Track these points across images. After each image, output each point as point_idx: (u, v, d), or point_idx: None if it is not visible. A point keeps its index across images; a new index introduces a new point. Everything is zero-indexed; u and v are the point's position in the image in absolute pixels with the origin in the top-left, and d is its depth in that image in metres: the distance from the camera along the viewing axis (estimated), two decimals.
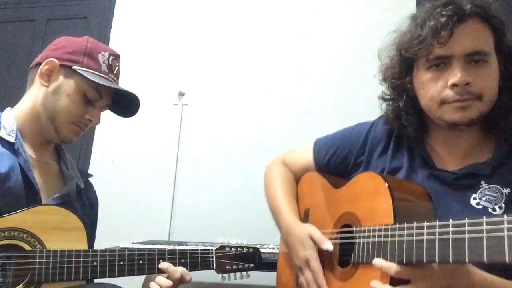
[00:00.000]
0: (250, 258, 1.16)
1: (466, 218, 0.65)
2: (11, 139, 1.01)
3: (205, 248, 1.12)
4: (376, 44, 1.07)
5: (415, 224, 0.74)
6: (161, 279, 1.04)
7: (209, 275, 1.27)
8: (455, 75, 0.86)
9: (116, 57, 1.14)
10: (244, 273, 1.15)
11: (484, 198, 0.88)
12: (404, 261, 0.75)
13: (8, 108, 1.10)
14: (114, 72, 1.13)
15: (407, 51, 0.94)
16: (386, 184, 0.85)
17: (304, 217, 1.15)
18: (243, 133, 2.39)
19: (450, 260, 0.66)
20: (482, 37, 0.89)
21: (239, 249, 1.15)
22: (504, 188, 0.87)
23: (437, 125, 0.97)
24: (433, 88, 0.90)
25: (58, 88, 1.06)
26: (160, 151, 2.44)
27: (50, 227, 0.96)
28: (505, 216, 0.59)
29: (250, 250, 1.16)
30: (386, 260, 0.79)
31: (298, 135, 2.28)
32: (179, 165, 2.40)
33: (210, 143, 2.41)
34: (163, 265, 1.05)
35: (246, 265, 1.15)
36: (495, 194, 0.87)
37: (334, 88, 2.34)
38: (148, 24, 2.66)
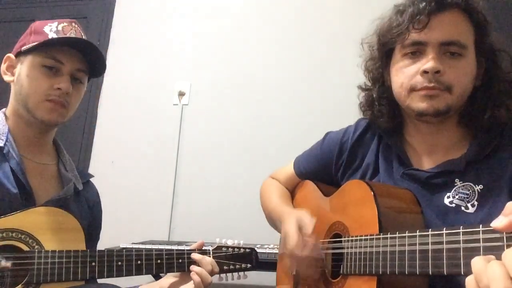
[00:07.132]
0: (247, 258, 1.16)
1: (445, 229, 0.63)
2: (1, 142, 1.00)
3: (203, 248, 1.13)
4: None
5: (397, 235, 0.73)
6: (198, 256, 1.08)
7: None
8: (427, 62, 0.86)
9: (70, 23, 1.10)
10: (241, 273, 1.16)
11: (457, 197, 0.87)
12: (388, 272, 0.74)
13: (3, 109, 1.09)
14: (67, 35, 1.07)
15: (385, 36, 0.95)
16: (372, 192, 0.84)
17: None
18: (243, 133, 2.39)
19: (430, 272, 0.65)
20: (461, 28, 0.88)
21: (236, 249, 1.15)
22: (476, 185, 0.86)
23: (411, 120, 0.96)
24: (405, 74, 0.90)
25: (19, 75, 1.06)
26: (160, 151, 2.44)
27: (48, 227, 0.96)
28: (480, 226, 0.57)
29: (247, 250, 1.17)
30: (372, 271, 0.78)
31: (298, 135, 2.28)
32: (179, 165, 2.40)
33: (210, 143, 2.41)
34: (196, 256, 1.08)
35: (243, 265, 1.15)
36: (468, 192, 0.86)
37: (335, 88, 2.34)
38: (148, 24, 2.66)
